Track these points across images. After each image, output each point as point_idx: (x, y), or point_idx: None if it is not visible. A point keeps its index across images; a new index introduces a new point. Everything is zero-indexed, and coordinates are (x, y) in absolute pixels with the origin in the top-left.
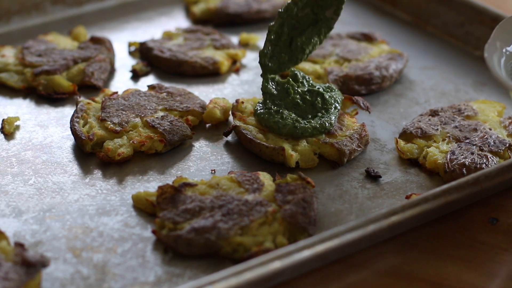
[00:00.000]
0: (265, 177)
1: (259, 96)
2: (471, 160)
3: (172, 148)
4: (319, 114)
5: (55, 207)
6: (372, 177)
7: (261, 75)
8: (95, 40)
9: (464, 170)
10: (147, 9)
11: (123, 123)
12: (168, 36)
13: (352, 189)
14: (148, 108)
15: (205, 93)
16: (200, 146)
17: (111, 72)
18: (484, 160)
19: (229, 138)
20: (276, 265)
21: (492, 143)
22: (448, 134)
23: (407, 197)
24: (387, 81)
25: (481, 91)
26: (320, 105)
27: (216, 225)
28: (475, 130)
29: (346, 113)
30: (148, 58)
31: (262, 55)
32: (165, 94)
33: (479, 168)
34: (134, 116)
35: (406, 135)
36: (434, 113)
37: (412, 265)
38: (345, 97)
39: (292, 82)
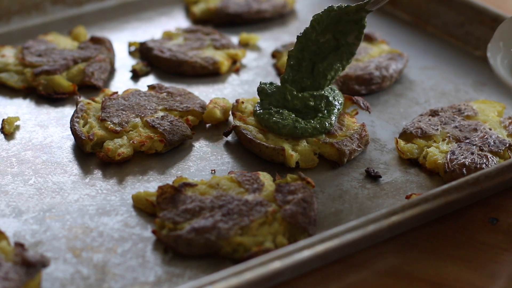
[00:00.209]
0: (265, 177)
1: None
2: (471, 160)
3: (172, 148)
4: (319, 115)
5: (55, 207)
6: (372, 177)
7: (280, 88)
8: (95, 40)
9: (464, 170)
10: (147, 9)
11: (123, 123)
12: (168, 36)
13: (352, 189)
14: (148, 108)
15: (205, 93)
16: (200, 146)
17: (111, 72)
18: (484, 160)
19: (229, 138)
20: (276, 265)
21: (492, 143)
22: (448, 134)
23: (407, 197)
24: (387, 81)
25: (481, 91)
26: (323, 107)
27: (216, 225)
28: (475, 130)
29: (346, 113)
30: (148, 58)
31: (283, 80)
32: (165, 94)
33: (479, 168)
34: (134, 116)
35: (406, 135)
36: (434, 113)
37: (412, 265)
38: (345, 97)
39: (289, 87)
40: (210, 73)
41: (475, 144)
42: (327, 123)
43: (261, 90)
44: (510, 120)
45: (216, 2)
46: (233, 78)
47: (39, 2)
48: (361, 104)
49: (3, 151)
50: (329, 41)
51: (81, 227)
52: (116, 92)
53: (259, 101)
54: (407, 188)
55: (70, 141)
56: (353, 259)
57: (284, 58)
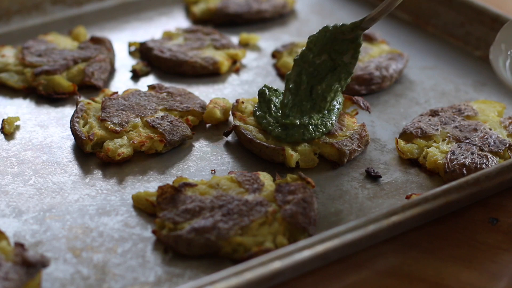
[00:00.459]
0: (265, 177)
1: None
2: (471, 160)
3: (172, 148)
4: (320, 115)
5: (55, 207)
6: (372, 177)
7: (280, 124)
8: (95, 40)
9: (464, 170)
10: (147, 9)
11: (123, 123)
12: (168, 36)
13: (352, 189)
14: (148, 108)
15: (205, 93)
16: (200, 146)
17: (111, 72)
18: (484, 160)
19: (229, 138)
20: (276, 265)
21: (492, 143)
22: (448, 134)
23: (407, 197)
24: (387, 81)
25: (481, 91)
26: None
27: (216, 225)
28: (475, 130)
29: (346, 113)
30: (148, 58)
31: (283, 105)
32: (165, 94)
33: (479, 168)
34: (134, 116)
35: (406, 135)
36: (434, 113)
37: (412, 265)
38: (345, 97)
39: (292, 120)
40: (210, 73)
41: (475, 144)
42: (328, 123)
43: (261, 93)
44: (510, 120)
45: (216, 2)
46: (233, 78)
47: (39, 2)
48: (361, 104)
49: (3, 151)
50: (326, 61)
51: (81, 227)
52: (116, 92)
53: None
54: (407, 188)
55: (70, 141)
56: (353, 259)
57: (284, 58)
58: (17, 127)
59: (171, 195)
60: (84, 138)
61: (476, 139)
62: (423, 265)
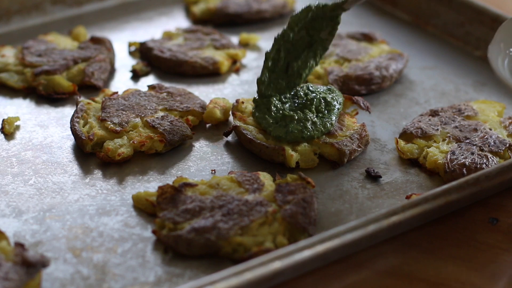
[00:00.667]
0: (265, 177)
1: None
2: (471, 160)
3: (172, 148)
4: (320, 115)
5: (55, 207)
6: (372, 177)
7: (255, 100)
8: (95, 40)
9: (464, 170)
10: (147, 9)
11: (123, 123)
12: (168, 36)
13: (352, 189)
14: (148, 108)
15: (205, 93)
16: (200, 146)
17: (111, 72)
18: (484, 160)
19: (229, 138)
20: (276, 265)
21: (492, 143)
22: (448, 134)
23: (407, 197)
24: (387, 81)
25: (481, 91)
26: (323, 108)
27: (216, 225)
28: (475, 130)
29: (346, 113)
30: (148, 58)
31: (260, 82)
32: (165, 94)
33: (479, 168)
34: (134, 116)
35: (406, 135)
36: (434, 113)
37: (412, 265)
38: (345, 97)
39: (273, 101)
40: (210, 73)
41: (475, 144)
42: (328, 124)
43: (259, 96)
44: (510, 120)
45: (216, 2)
46: (233, 78)
47: (39, 2)
48: (361, 104)
49: (3, 151)
50: (303, 38)
51: (81, 227)
52: (116, 92)
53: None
54: (407, 188)
55: (70, 141)
56: (353, 259)
57: None
58: (17, 127)
59: (171, 195)
60: (84, 138)
61: (476, 139)
62: (423, 265)
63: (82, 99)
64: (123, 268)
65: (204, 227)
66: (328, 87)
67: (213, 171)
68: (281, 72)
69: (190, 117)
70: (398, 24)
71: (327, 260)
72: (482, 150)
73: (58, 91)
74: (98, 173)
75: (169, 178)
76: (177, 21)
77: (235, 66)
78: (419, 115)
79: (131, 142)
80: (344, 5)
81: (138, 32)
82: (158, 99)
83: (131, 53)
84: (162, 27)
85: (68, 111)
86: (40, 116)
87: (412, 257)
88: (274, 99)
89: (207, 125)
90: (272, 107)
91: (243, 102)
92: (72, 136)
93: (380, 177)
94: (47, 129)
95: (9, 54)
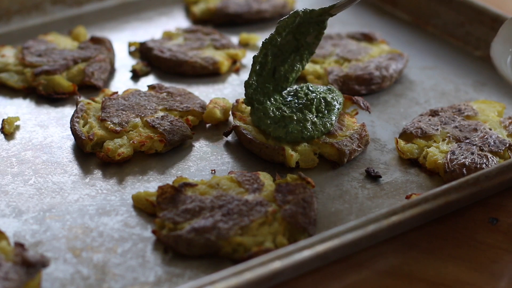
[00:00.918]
0: (265, 177)
1: None
2: (471, 160)
3: (172, 148)
4: (320, 115)
5: (55, 207)
6: (372, 177)
7: (245, 103)
8: (95, 40)
9: (464, 170)
10: (147, 9)
11: (123, 123)
12: (168, 36)
13: (352, 189)
14: (148, 108)
15: (205, 93)
16: (200, 146)
17: (111, 72)
18: (484, 160)
19: (229, 138)
20: (276, 265)
21: (492, 143)
22: (448, 134)
23: (407, 197)
24: (387, 81)
25: (481, 91)
26: (323, 108)
27: (216, 225)
28: (475, 130)
29: (346, 113)
30: (148, 58)
31: (248, 85)
32: (165, 94)
33: (479, 168)
34: (134, 116)
35: (406, 135)
36: (434, 113)
37: (412, 265)
38: (345, 97)
39: (268, 107)
40: (210, 73)
41: (475, 144)
42: (328, 124)
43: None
44: (510, 120)
45: (216, 2)
46: (233, 78)
47: (39, 2)
48: (361, 104)
49: (3, 151)
50: (290, 42)
51: (81, 227)
52: (116, 92)
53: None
54: (407, 188)
55: (70, 141)
56: (353, 259)
57: None
58: (17, 127)
59: (171, 195)
60: (84, 138)
61: (476, 139)
62: (423, 265)
63: (82, 99)
64: (123, 268)
65: (204, 227)
66: (328, 87)
67: (213, 171)
68: (268, 76)
69: (190, 117)
70: (398, 24)
71: (327, 260)
72: (482, 150)
73: (58, 91)
74: (98, 173)
75: (169, 178)
76: (177, 21)
77: (235, 66)
78: (419, 115)
79: (131, 142)
80: (331, 11)
81: (138, 32)
82: (158, 99)
83: (131, 53)
84: (162, 27)
85: (68, 111)
86: (40, 116)
87: (412, 257)
88: (270, 102)
89: (207, 125)
90: (270, 112)
91: (243, 102)
92: (72, 136)
93: (380, 177)
94: (47, 129)
95: (9, 54)
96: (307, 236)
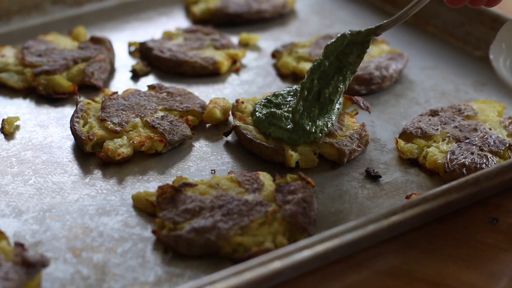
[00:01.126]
0: (265, 177)
1: (259, 96)
2: (471, 160)
3: (172, 148)
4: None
5: (55, 207)
6: (372, 177)
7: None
8: (95, 40)
9: (464, 170)
10: (147, 9)
11: (123, 123)
12: (168, 36)
13: (352, 189)
14: (148, 108)
15: (205, 93)
16: (200, 146)
17: (111, 72)
18: (484, 160)
19: (229, 138)
20: (276, 265)
21: (492, 143)
22: (448, 134)
23: (407, 197)
24: (387, 81)
25: (481, 91)
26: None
27: (216, 225)
28: (475, 130)
29: (346, 113)
30: (148, 58)
31: (296, 111)
32: (165, 94)
33: (479, 168)
34: (134, 116)
35: (406, 135)
36: (434, 113)
37: (412, 265)
38: (345, 97)
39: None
40: (210, 73)
41: (475, 144)
42: (328, 124)
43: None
44: (510, 120)
45: (216, 2)
46: (233, 78)
47: (39, 2)
48: (361, 104)
49: (3, 151)
50: (333, 63)
51: (81, 227)
52: (116, 92)
53: (257, 102)
54: (407, 188)
55: (70, 141)
56: (353, 259)
57: (284, 58)
58: (17, 127)
59: (171, 195)
60: (84, 138)
61: (476, 139)
62: (423, 265)
63: (82, 99)
64: (123, 268)
65: (204, 227)
66: None
67: (213, 171)
68: (314, 100)
69: (190, 117)
70: (398, 24)
71: (327, 260)
72: (482, 150)
73: (58, 91)
74: (98, 173)
75: (169, 178)
76: (177, 21)
77: (235, 66)
78: (419, 115)
79: (131, 142)
80: (377, 31)
81: (138, 32)
82: (158, 99)
83: (131, 53)
84: (162, 27)
85: (68, 111)
86: (40, 116)
87: (412, 257)
88: (275, 109)
89: (207, 125)
90: (283, 119)
91: (243, 102)
92: (72, 136)
93: (380, 177)
94: (47, 129)
95: (9, 54)
96: (307, 236)
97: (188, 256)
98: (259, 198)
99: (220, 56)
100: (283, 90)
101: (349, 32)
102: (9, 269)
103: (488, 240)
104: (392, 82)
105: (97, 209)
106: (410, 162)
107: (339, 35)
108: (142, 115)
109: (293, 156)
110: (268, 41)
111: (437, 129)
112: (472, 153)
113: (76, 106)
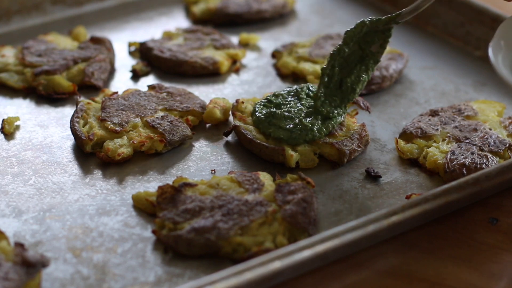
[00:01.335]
0: (265, 177)
1: (259, 96)
2: (471, 160)
3: (172, 148)
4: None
5: (55, 207)
6: (372, 177)
7: (314, 115)
8: (95, 40)
9: (464, 170)
10: (147, 9)
11: (123, 123)
12: (168, 36)
13: (352, 189)
14: (148, 108)
15: (205, 93)
16: (200, 146)
17: (111, 72)
18: (484, 160)
19: (229, 138)
20: (276, 265)
21: (492, 143)
22: (448, 134)
23: (407, 197)
24: (387, 81)
25: (481, 91)
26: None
27: (216, 225)
28: (475, 130)
29: (346, 113)
30: (148, 58)
31: (316, 98)
32: (165, 94)
33: (479, 168)
34: (134, 116)
35: (406, 135)
36: (434, 113)
37: (412, 265)
38: None
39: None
40: (210, 73)
41: (475, 144)
42: (329, 125)
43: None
44: (510, 120)
45: (216, 2)
46: (233, 78)
47: (39, 2)
48: (361, 104)
49: (3, 151)
50: (355, 52)
51: (81, 227)
52: (116, 92)
53: (257, 102)
54: (407, 188)
55: (70, 141)
56: (353, 259)
57: (284, 58)
58: (17, 127)
59: (171, 195)
60: (84, 138)
61: (476, 139)
62: (423, 265)
63: (82, 99)
64: (123, 268)
65: (204, 227)
66: None
67: (213, 171)
68: (335, 88)
69: (190, 117)
70: (398, 24)
71: (327, 260)
72: (482, 150)
73: (58, 91)
74: (98, 173)
75: (169, 178)
76: (177, 21)
77: (235, 66)
78: (419, 115)
79: (131, 142)
80: (397, 19)
81: (138, 32)
82: (158, 99)
83: (131, 53)
84: (162, 27)
85: (68, 111)
86: (40, 116)
87: (412, 257)
88: (275, 109)
89: (207, 125)
90: (283, 119)
91: (243, 102)
92: (72, 136)
93: (380, 177)
94: (47, 129)
95: (9, 54)
96: (307, 236)
97: (188, 256)
98: (259, 198)
99: (220, 56)
100: (283, 90)
101: (369, 19)
102: (9, 269)
103: (488, 240)
104: (392, 82)
105: (97, 209)
106: (410, 162)
107: (358, 21)
108: (142, 115)
109: (293, 156)
110: (268, 41)
111: (437, 129)
112: (472, 153)
113: (76, 106)
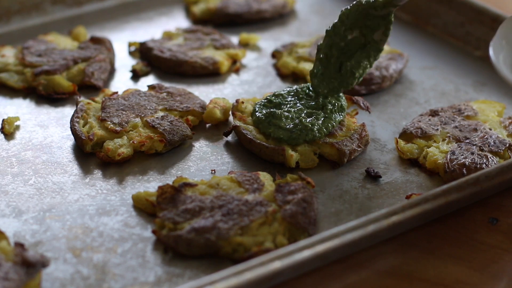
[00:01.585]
0: (265, 177)
1: (259, 96)
2: (471, 160)
3: (172, 148)
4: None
5: (55, 207)
6: (372, 177)
7: (314, 94)
8: (95, 40)
9: (464, 170)
10: (147, 9)
11: (123, 123)
12: (168, 36)
13: (352, 189)
14: (148, 108)
15: (205, 93)
16: (200, 146)
17: (111, 72)
18: (484, 160)
19: (229, 138)
20: (276, 265)
21: (492, 143)
22: (448, 134)
23: (407, 197)
24: (387, 81)
25: (481, 91)
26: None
27: (216, 225)
28: (475, 130)
29: (346, 113)
30: (148, 58)
31: (312, 74)
32: (165, 94)
33: (479, 168)
34: (134, 116)
35: (406, 135)
36: (434, 113)
37: (412, 265)
38: (345, 97)
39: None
40: (210, 73)
41: (475, 144)
42: (330, 125)
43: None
44: (510, 120)
45: (216, 2)
46: (233, 78)
47: (39, 2)
48: (361, 104)
49: (3, 151)
50: (357, 38)
51: (81, 227)
52: (116, 92)
53: (257, 102)
54: (407, 188)
55: (70, 141)
56: (353, 259)
57: (284, 58)
58: (17, 127)
59: (171, 195)
60: (84, 138)
61: (476, 139)
62: (423, 265)
63: (82, 99)
64: (123, 268)
65: (204, 227)
66: None
67: (213, 171)
68: (335, 71)
69: (190, 117)
70: (398, 24)
71: (327, 260)
72: (482, 150)
73: (58, 91)
74: (98, 173)
75: (169, 178)
76: (177, 21)
77: (235, 66)
78: (419, 115)
79: (131, 142)
80: (394, 1)
81: (138, 32)
82: (158, 99)
83: (131, 53)
84: (162, 27)
85: (68, 111)
86: (40, 116)
87: (412, 257)
88: (275, 109)
89: (207, 125)
90: (283, 118)
91: (243, 102)
92: (72, 136)
93: (380, 177)
94: (47, 129)
95: (9, 54)
96: (307, 236)
97: (188, 256)
98: (259, 198)
99: (220, 56)
100: (283, 90)
101: (365, 0)
102: (9, 269)
103: (488, 240)
104: (392, 82)
105: (97, 209)
106: (410, 162)
107: (354, 2)
108: (142, 115)
109: (293, 156)
110: (268, 41)
111: (437, 129)
112: (472, 153)
113: (76, 106)
